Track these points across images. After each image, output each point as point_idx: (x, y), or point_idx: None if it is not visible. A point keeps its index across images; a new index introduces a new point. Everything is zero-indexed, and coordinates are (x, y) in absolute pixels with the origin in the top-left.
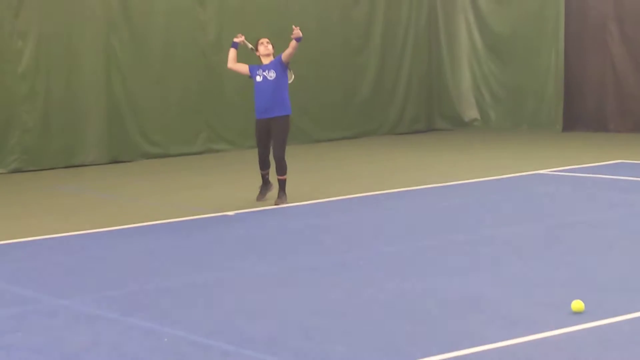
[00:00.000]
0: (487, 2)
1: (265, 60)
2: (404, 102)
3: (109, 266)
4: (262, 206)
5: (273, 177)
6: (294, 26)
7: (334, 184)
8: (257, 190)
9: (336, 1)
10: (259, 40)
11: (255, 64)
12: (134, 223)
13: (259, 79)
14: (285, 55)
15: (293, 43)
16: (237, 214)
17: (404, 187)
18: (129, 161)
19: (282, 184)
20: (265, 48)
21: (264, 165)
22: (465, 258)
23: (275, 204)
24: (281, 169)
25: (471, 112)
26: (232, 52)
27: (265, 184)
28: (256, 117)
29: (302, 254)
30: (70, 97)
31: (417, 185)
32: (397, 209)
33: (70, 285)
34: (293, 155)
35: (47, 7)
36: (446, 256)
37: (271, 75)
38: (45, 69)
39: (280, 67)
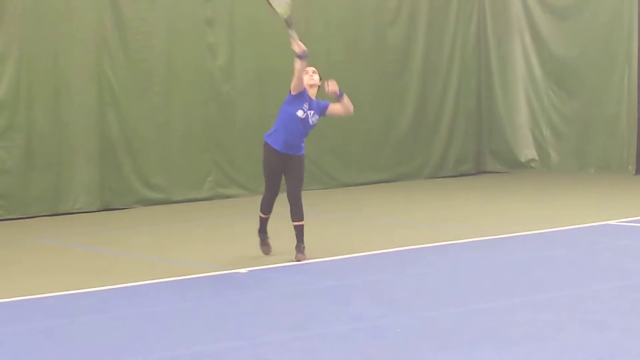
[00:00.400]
0: (547, 21)
1: (310, 92)
2: (449, 139)
3: (99, 333)
4: (279, 262)
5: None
6: (326, 83)
7: (365, 236)
8: (266, 239)
9: (368, 20)
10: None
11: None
12: (130, 282)
13: (300, 114)
14: (330, 112)
15: (342, 101)
16: (250, 271)
17: (449, 240)
18: (124, 208)
19: (301, 231)
20: (310, 78)
21: (269, 208)
22: (522, 325)
23: (297, 260)
24: (299, 213)
25: (528, 151)
26: (304, 64)
27: (265, 231)
28: (274, 147)
29: (328, 320)
30: (56, 133)
31: (464, 238)
32: (441, 266)
33: (55, 356)
34: (316, 202)
35: (30, 27)
36: (499, 323)
37: (314, 120)
38: (27, 99)
39: (320, 114)
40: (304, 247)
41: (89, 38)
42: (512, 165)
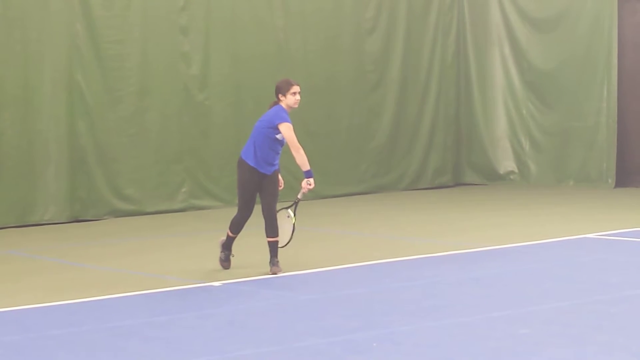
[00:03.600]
0: (526, 32)
1: (290, 111)
2: (427, 151)
3: (69, 347)
4: (254, 275)
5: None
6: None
7: (341, 249)
8: (229, 256)
9: (346, 28)
10: (290, 84)
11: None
12: (101, 295)
13: (280, 136)
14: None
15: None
16: (224, 284)
17: (426, 254)
18: (95, 220)
19: (275, 246)
20: (296, 102)
21: (239, 228)
22: (500, 340)
23: (272, 273)
24: (274, 229)
25: (507, 164)
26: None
27: (230, 248)
28: (251, 165)
29: (304, 334)
30: (25, 142)
31: (441, 252)
32: (418, 280)
33: None
34: None
35: None
36: (476, 337)
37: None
38: None
39: None
40: (277, 261)
41: (60, 45)
42: (491, 178)
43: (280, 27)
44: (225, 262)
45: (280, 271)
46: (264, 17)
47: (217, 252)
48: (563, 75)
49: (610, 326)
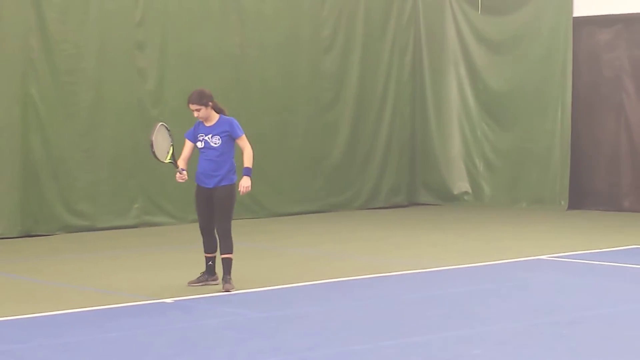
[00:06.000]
0: (481, 54)
1: (206, 122)
2: (382, 170)
3: None
4: (207, 292)
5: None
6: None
7: (295, 267)
8: (200, 276)
9: (303, 48)
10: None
11: (197, 124)
12: (51, 311)
13: (199, 144)
14: (243, 148)
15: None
16: (176, 301)
17: (379, 273)
18: (46, 235)
19: (228, 263)
20: (199, 117)
21: (209, 245)
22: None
23: (225, 290)
24: (226, 246)
25: (461, 184)
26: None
27: (210, 272)
28: (195, 181)
29: (257, 352)
30: None
31: (395, 271)
32: (372, 299)
33: None
34: (246, 232)
35: None
36: (430, 357)
37: (215, 142)
38: None
39: (228, 135)
40: (230, 278)
41: (13, 58)
42: (445, 198)
43: (237, 44)
44: (195, 280)
45: (233, 288)
46: (221, 35)
47: (170, 269)
48: (518, 96)
49: (562, 347)
